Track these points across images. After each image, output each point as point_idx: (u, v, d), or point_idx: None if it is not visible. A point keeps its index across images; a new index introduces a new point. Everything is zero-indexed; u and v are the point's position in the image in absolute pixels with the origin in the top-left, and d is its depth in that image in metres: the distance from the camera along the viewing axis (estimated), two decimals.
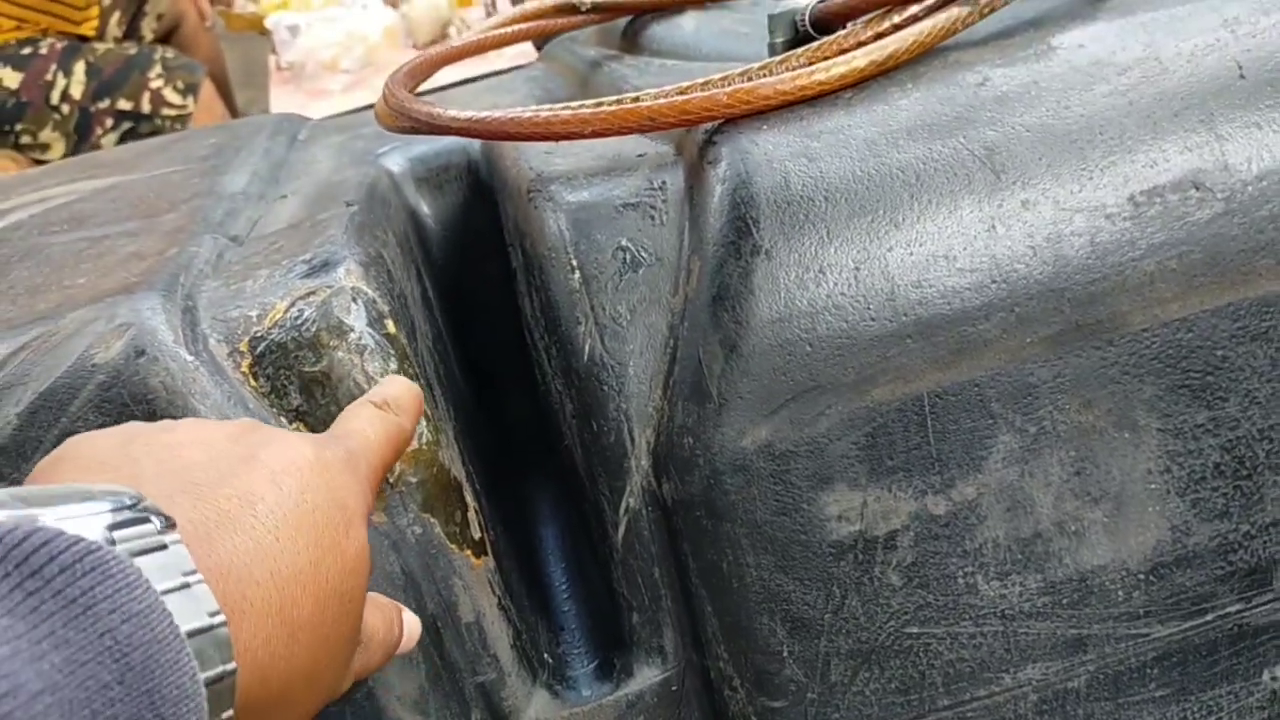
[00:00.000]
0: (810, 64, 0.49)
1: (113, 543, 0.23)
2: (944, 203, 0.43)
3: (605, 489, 0.48)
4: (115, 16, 1.93)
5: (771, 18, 0.55)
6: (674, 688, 0.50)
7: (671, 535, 0.47)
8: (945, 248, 0.43)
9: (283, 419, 0.44)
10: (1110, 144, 0.44)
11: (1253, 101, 0.45)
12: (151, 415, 0.41)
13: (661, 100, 0.47)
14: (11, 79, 1.77)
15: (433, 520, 0.46)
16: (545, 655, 0.52)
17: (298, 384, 0.44)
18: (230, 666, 0.25)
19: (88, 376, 0.41)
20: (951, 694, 0.47)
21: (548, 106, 0.49)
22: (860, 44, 0.49)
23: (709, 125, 0.48)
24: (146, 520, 0.25)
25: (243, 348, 0.44)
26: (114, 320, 0.43)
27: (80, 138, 1.82)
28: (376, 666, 0.35)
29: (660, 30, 0.71)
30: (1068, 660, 0.47)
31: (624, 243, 0.48)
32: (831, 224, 0.43)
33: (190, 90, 1.89)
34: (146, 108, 1.85)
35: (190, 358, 0.42)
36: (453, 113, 0.51)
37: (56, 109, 1.79)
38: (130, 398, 0.41)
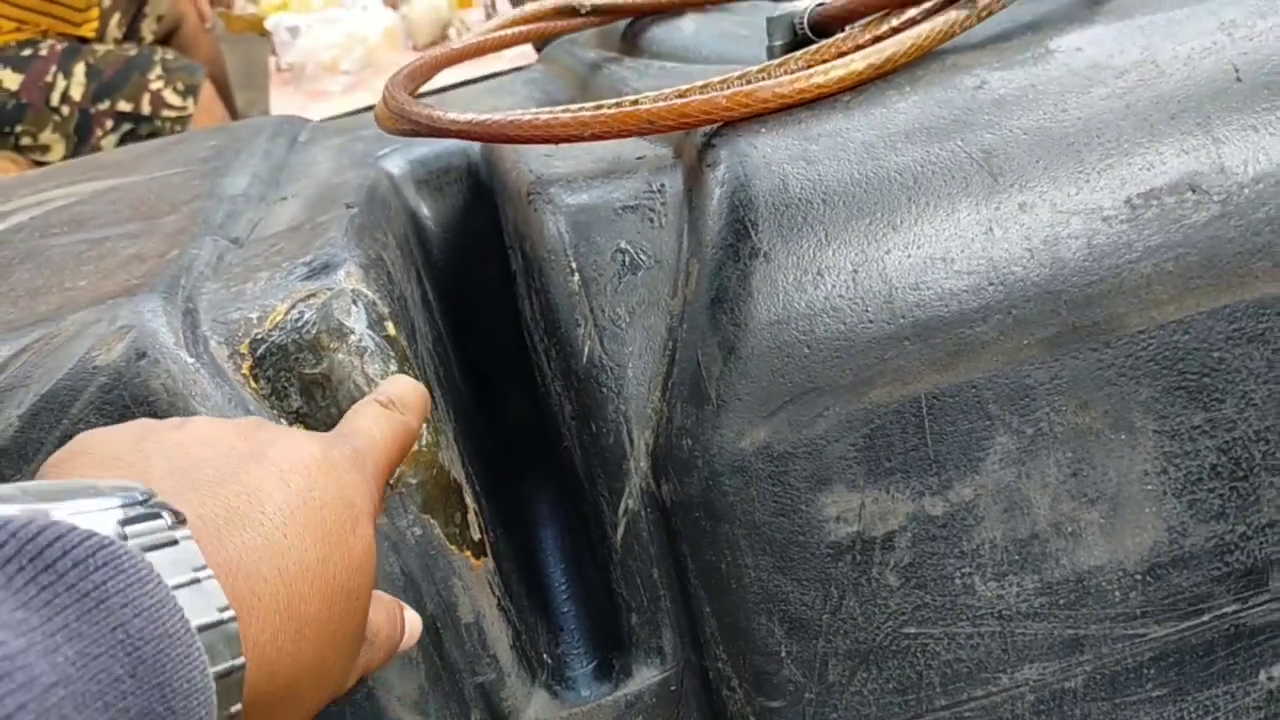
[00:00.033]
0: (809, 67, 0.49)
1: (124, 538, 0.24)
2: (942, 205, 0.44)
3: (604, 490, 0.49)
4: (115, 18, 1.93)
5: (770, 21, 0.56)
6: (673, 688, 0.50)
7: (670, 536, 0.48)
8: (943, 250, 0.43)
9: (283, 421, 0.44)
10: (1107, 147, 0.44)
11: (1249, 104, 0.45)
12: (152, 417, 0.42)
13: (660, 103, 0.47)
14: (11, 80, 1.77)
15: (432, 521, 0.46)
16: (544, 655, 0.53)
17: (298, 386, 0.44)
18: (239, 661, 0.25)
19: (89, 379, 0.41)
20: (949, 694, 0.47)
21: (547, 109, 0.49)
22: (858, 47, 0.50)
23: (708, 128, 0.48)
24: (157, 516, 0.25)
25: (243, 350, 0.44)
26: (115, 322, 0.43)
27: (80, 139, 1.82)
28: (380, 663, 0.35)
29: (660, 33, 0.71)
30: (1065, 660, 0.47)
31: (623, 245, 0.48)
32: (830, 227, 0.44)
33: (190, 92, 1.89)
34: (146, 109, 1.85)
35: (191, 360, 0.43)
36: (452, 115, 0.51)
37: (56, 110, 1.79)
38: (131, 400, 0.42)
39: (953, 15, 0.49)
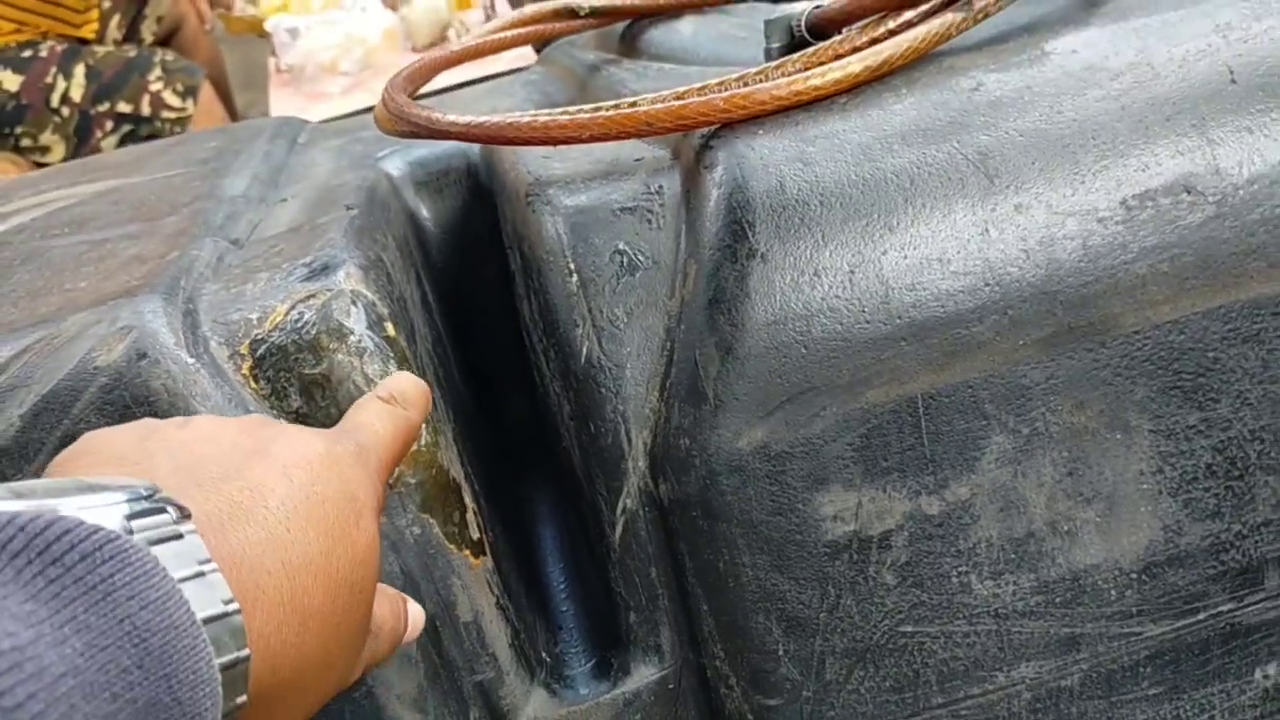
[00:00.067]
0: (806, 69, 0.49)
1: (130, 532, 0.24)
2: (938, 207, 0.44)
3: (603, 489, 0.49)
4: (115, 19, 1.93)
5: (768, 23, 0.56)
6: (671, 686, 0.50)
7: (668, 535, 0.48)
8: (939, 251, 0.43)
9: (283, 421, 0.45)
10: (1103, 148, 0.44)
11: (1244, 106, 0.45)
12: (153, 417, 0.42)
13: (659, 105, 0.47)
14: (12, 82, 1.77)
15: (431, 520, 0.46)
16: (543, 654, 0.53)
17: (298, 386, 0.44)
18: (244, 653, 0.25)
19: (90, 379, 0.42)
20: (946, 692, 0.47)
21: (546, 111, 0.49)
22: (855, 49, 0.50)
23: (706, 130, 0.49)
24: (163, 511, 0.25)
25: (243, 350, 0.44)
26: (116, 323, 0.43)
27: (80, 140, 1.82)
28: (385, 655, 0.35)
29: (658, 34, 0.71)
30: (1061, 659, 0.48)
31: (621, 246, 0.49)
32: (826, 228, 0.44)
33: (190, 93, 1.90)
34: (146, 110, 1.85)
35: (191, 360, 0.43)
36: (451, 117, 0.52)
37: (56, 112, 1.80)
38: (132, 400, 0.42)
39: (949, 18, 0.49)
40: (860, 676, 0.47)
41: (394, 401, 0.37)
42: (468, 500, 0.48)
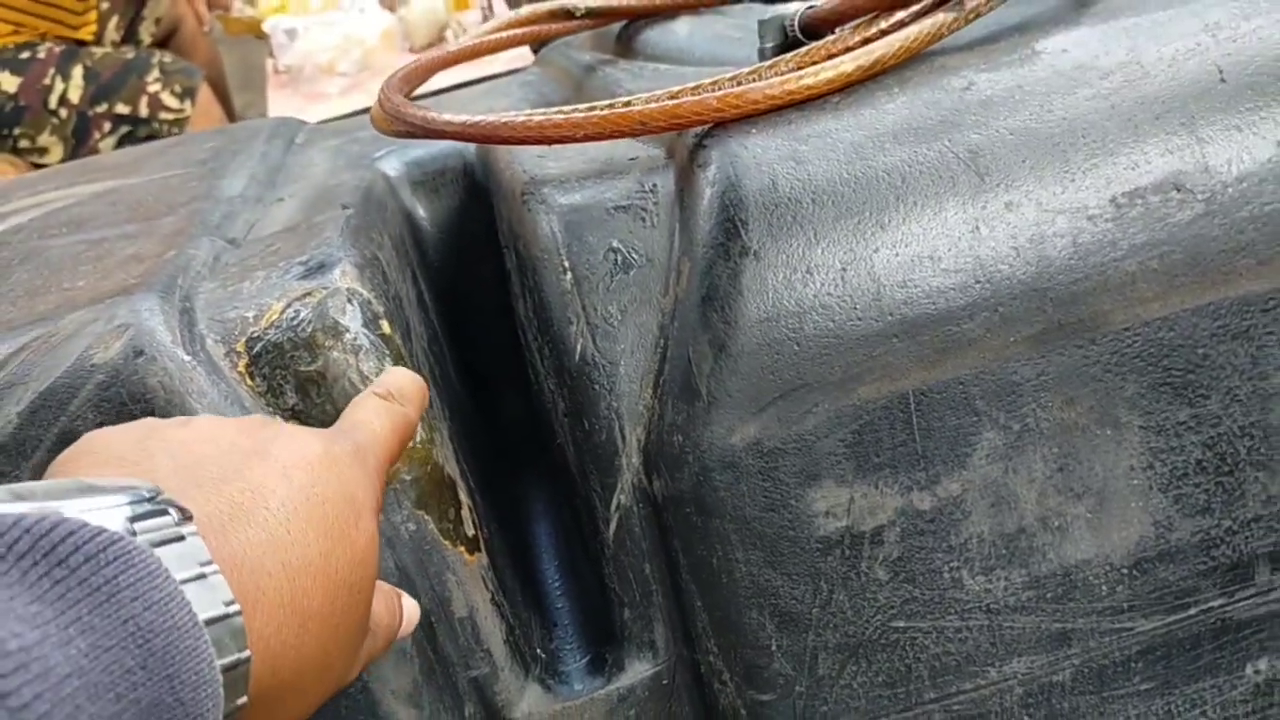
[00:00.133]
0: (799, 69, 0.50)
1: (133, 534, 0.24)
2: (929, 204, 0.44)
3: (597, 486, 0.49)
4: (113, 20, 1.93)
5: (761, 23, 0.56)
6: (665, 682, 0.51)
7: (662, 531, 0.48)
8: (930, 248, 0.44)
9: (279, 418, 0.45)
10: (1093, 146, 0.45)
11: (1233, 105, 0.45)
12: (150, 414, 0.42)
13: (653, 104, 0.48)
14: (10, 83, 1.77)
15: (426, 517, 0.46)
16: (538, 650, 0.53)
17: (294, 384, 0.45)
18: (245, 654, 0.25)
19: (87, 376, 0.42)
20: (938, 687, 0.48)
21: (541, 111, 0.49)
22: (848, 49, 0.50)
23: (699, 129, 0.49)
24: (164, 513, 0.26)
25: (239, 348, 0.45)
26: (113, 321, 0.43)
27: (78, 142, 1.82)
28: (381, 651, 0.35)
29: (654, 35, 0.72)
30: (1052, 654, 0.48)
31: (615, 244, 0.49)
32: (819, 226, 0.44)
33: (188, 94, 1.90)
34: (144, 112, 1.85)
35: (188, 358, 0.43)
36: (447, 117, 0.52)
37: (54, 113, 1.80)
38: (129, 397, 0.42)
39: (941, 18, 0.50)
40: (853, 671, 0.47)
41: (391, 398, 0.38)
42: (463, 497, 0.49)
